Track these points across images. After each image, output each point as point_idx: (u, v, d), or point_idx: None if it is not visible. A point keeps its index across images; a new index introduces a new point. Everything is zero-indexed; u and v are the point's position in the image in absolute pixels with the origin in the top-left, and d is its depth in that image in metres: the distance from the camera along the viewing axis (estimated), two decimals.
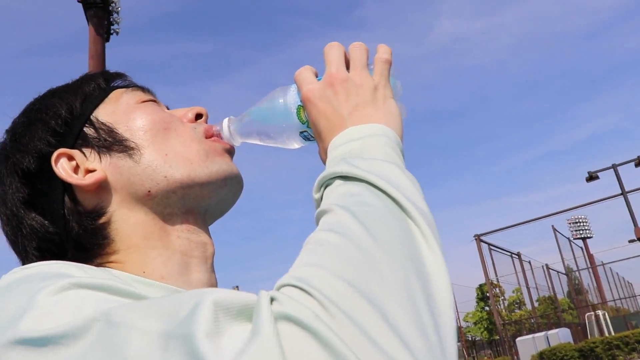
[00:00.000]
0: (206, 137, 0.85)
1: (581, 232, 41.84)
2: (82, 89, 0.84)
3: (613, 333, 17.32)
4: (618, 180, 23.91)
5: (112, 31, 15.19)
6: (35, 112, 0.81)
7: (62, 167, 0.77)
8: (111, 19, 15.03)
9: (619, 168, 23.70)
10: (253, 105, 0.84)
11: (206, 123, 0.89)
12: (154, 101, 0.87)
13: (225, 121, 0.85)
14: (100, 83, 0.86)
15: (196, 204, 0.82)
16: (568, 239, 35.28)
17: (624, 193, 24.30)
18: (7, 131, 0.84)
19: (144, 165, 0.78)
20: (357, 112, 0.72)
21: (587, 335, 23.10)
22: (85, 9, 14.45)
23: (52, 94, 0.85)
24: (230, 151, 0.86)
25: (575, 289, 36.39)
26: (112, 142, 0.79)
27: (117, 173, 0.78)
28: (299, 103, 0.78)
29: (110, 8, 14.84)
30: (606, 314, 25.28)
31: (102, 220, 0.78)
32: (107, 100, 0.84)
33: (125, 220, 0.78)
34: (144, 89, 0.89)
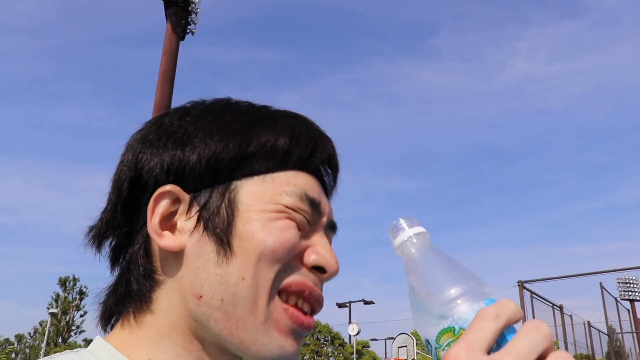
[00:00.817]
0: (291, 293, 0.70)
1: (630, 293, 40.49)
2: (268, 146, 0.71)
3: None
4: None
5: (188, 30, 15.48)
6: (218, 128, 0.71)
7: (159, 209, 0.69)
8: (189, 19, 15.32)
9: None
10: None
11: (322, 282, 0.74)
12: (306, 217, 0.72)
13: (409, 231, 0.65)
14: (293, 153, 0.72)
15: (224, 352, 0.71)
16: (615, 298, 34.40)
17: None
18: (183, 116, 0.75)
19: (220, 271, 0.67)
20: None
21: None
22: (166, 7, 14.79)
23: (253, 121, 0.73)
24: (300, 333, 0.70)
25: (616, 351, 35.28)
26: (220, 227, 0.68)
27: (196, 255, 0.68)
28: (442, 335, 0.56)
29: (190, 8, 15.15)
30: None
31: (152, 283, 0.71)
32: (270, 177, 0.71)
33: (166, 304, 0.70)
34: (314, 201, 0.72)
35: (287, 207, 0.69)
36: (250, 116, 0.74)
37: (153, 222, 0.69)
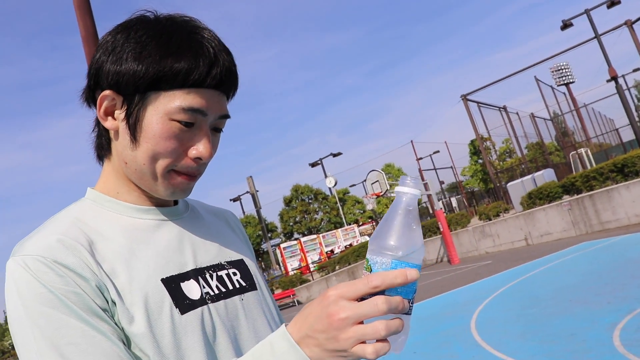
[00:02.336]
0: (182, 171, 1.01)
1: (564, 78, 43.06)
2: (179, 66, 0.93)
3: (595, 167, 19.31)
4: (591, 24, 25.09)
5: None
6: (151, 46, 0.94)
7: (102, 104, 0.99)
8: None
9: (591, 12, 24.80)
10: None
11: (204, 163, 1.03)
12: (191, 123, 0.97)
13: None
14: (194, 75, 0.94)
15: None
16: (551, 86, 36.83)
17: (597, 36, 25.58)
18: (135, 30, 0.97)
19: (133, 154, 0.99)
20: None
21: (573, 172, 25.16)
22: None
23: (171, 49, 0.94)
24: (187, 183, 1.03)
25: (562, 132, 38.56)
26: (132, 125, 0.97)
27: (122, 136, 1.00)
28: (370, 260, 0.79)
29: None
30: (588, 151, 27.51)
31: (108, 140, 1.05)
32: (170, 94, 0.95)
33: (115, 156, 1.04)
34: (198, 110, 0.96)
35: (173, 119, 0.95)
36: (160, 40, 0.95)
37: (100, 112, 0.99)
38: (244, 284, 1.10)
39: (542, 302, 9.27)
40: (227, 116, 1.04)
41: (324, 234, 37.49)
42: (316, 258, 33.80)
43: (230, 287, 1.07)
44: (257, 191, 38.18)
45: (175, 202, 1.14)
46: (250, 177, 38.51)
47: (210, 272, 1.05)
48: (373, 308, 0.73)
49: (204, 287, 1.01)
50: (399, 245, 0.77)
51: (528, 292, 10.71)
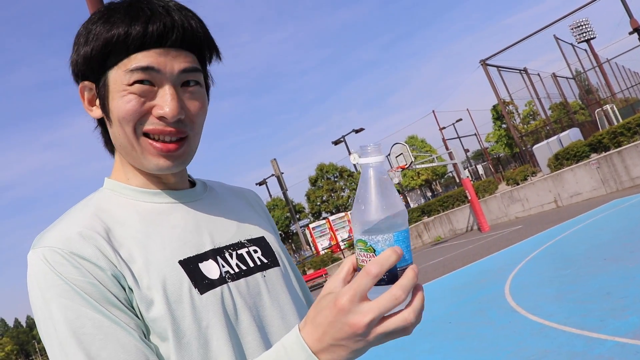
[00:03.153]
0: (152, 133, 0.99)
1: (584, 34, 42.10)
2: (131, 30, 0.94)
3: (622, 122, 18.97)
4: None
5: None
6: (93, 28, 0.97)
7: (84, 96, 1.04)
8: None
9: None
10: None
11: (170, 122, 0.99)
12: (146, 81, 0.96)
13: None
14: (131, 38, 0.94)
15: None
16: (571, 44, 36.13)
17: None
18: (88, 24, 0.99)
19: (113, 132, 1.03)
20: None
21: (599, 129, 24.73)
22: None
23: (111, 17, 0.96)
24: (166, 152, 1.01)
25: (585, 90, 37.83)
26: (102, 105, 1.02)
27: (107, 123, 1.05)
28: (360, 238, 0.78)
29: None
30: (614, 107, 26.95)
31: (107, 133, 1.08)
32: (120, 64, 0.97)
33: (115, 141, 1.05)
34: (147, 68, 0.96)
35: (128, 85, 0.96)
36: (103, 19, 0.97)
37: (84, 104, 1.04)
38: (265, 261, 1.11)
39: (576, 262, 9.19)
40: (193, 69, 1.01)
41: (351, 210, 37.47)
42: (346, 236, 33.81)
43: (252, 265, 1.07)
44: (282, 173, 38.21)
45: (193, 184, 1.17)
46: (275, 159, 38.50)
47: (229, 251, 1.06)
48: (394, 302, 0.73)
49: (223, 267, 1.02)
50: (393, 215, 0.76)
51: (561, 254, 10.61)
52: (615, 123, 23.26)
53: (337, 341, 0.76)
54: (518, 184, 22.11)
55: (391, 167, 21.15)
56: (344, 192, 50.86)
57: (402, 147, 21.16)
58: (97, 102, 1.03)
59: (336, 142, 38.50)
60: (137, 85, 0.96)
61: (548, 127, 32.91)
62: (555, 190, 19.81)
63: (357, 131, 37.15)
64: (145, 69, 0.95)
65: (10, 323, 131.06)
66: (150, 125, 0.98)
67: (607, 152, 18.29)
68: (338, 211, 46.67)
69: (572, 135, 23.41)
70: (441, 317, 8.54)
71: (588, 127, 29.62)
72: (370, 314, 0.73)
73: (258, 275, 1.07)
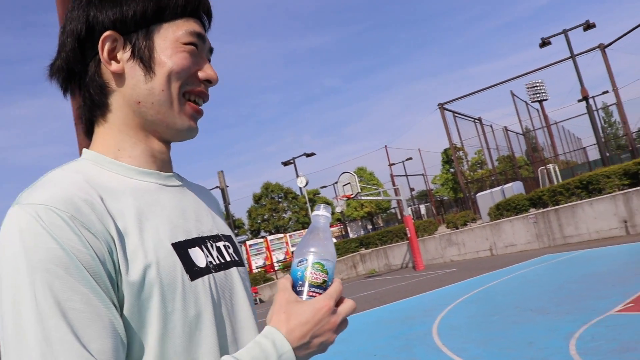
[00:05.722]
0: (192, 94, 1.05)
1: (538, 95, 43.93)
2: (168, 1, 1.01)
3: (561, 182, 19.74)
4: (568, 44, 25.61)
5: None
6: None
7: (105, 47, 0.99)
8: None
9: (569, 33, 25.33)
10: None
11: (211, 85, 1.09)
12: (196, 46, 1.04)
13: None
14: (191, 4, 1.04)
15: (160, 133, 1.06)
16: (525, 102, 37.50)
17: (572, 56, 26.13)
18: None
19: (148, 86, 1.00)
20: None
21: (540, 186, 25.58)
22: None
23: None
24: (197, 116, 1.08)
25: (532, 147, 39.21)
26: (145, 57, 1.01)
27: (131, 75, 1.01)
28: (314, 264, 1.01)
29: None
30: (556, 167, 27.95)
31: (106, 94, 1.03)
32: (173, 23, 1.03)
33: (118, 107, 1.03)
34: (199, 34, 1.05)
35: (183, 43, 1.02)
36: None
37: (103, 55, 0.99)
38: (236, 258, 1.12)
39: (504, 310, 9.39)
40: (212, 49, 1.13)
41: (291, 233, 37.39)
42: (281, 257, 33.67)
43: (228, 259, 1.08)
44: (227, 186, 37.81)
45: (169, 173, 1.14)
46: (222, 171, 38.04)
47: (210, 241, 1.06)
48: (352, 306, 1.02)
49: (207, 256, 1.02)
50: (333, 253, 1.05)
51: (491, 301, 10.85)
52: (556, 182, 24.11)
53: (316, 333, 0.95)
54: (457, 228, 22.55)
55: (336, 195, 21.25)
56: (286, 213, 50.76)
57: (350, 177, 21.30)
58: (122, 56, 1.01)
59: (286, 163, 38.51)
60: (191, 47, 1.04)
61: (493, 178, 33.84)
62: (492, 238, 20.29)
63: (308, 155, 37.28)
64: (199, 35, 1.05)
65: None
66: (195, 86, 1.06)
67: (545, 209, 18.90)
68: (277, 232, 46.38)
69: (515, 188, 24.12)
70: (366, 350, 8.55)
71: (530, 183, 30.60)
72: (342, 315, 1.00)
73: (234, 269, 1.09)
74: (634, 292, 8.28)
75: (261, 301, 23.93)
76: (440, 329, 8.83)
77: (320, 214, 1.06)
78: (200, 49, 1.06)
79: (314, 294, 0.98)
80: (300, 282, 0.99)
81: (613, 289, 8.95)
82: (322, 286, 0.99)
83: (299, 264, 1.01)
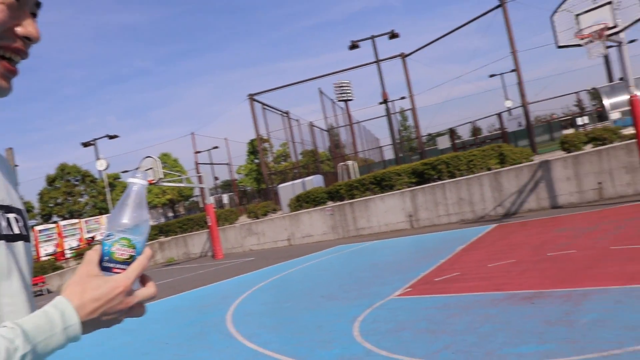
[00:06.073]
0: (7, 50, 0.98)
1: (344, 95, 46.27)
2: None
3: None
4: (374, 49, 27.37)
5: None
6: None
7: None
8: None
9: (375, 39, 27.10)
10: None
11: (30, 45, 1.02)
12: (4, 4, 0.95)
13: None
14: None
15: None
16: (332, 100, 39.42)
17: (377, 61, 28.00)
18: None
19: None
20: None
21: (339, 180, 27.04)
22: None
23: None
24: (10, 75, 1.00)
25: (335, 144, 41.33)
26: None
27: None
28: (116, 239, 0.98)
29: None
30: (355, 163, 29.76)
31: None
32: None
33: None
34: None
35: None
36: None
37: None
38: (25, 233, 1.06)
39: (297, 297, 9.68)
40: (40, 3, 1.05)
41: (86, 219, 35.03)
42: (75, 244, 31.43)
43: (17, 232, 1.03)
44: (17, 166, 34.27)
45: None
46: (11, 148, 34.33)
47: (2, 211, 1.00)
48: (151, 292, 1.02)
49: (1, 224, 0.97)
50: (147, 221, 1.01)
51: (285, 288, 11.13)
52: (353, 177, 25.60)
53: (108, 309, 0.95)
54: (258, 218, 22.92)
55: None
56: (82, 197, 47.62)
57: (153, 162, 20.54)
58: None
59: (86, 144, 35.98)
60: (7, 1, 0.95)
61: (296, 170, 34.99)
62: (291, 229, 20.94)
63: (111, 137, 35.27)
64: None
65: None
66: (10, 42, 0.98)
67: (342, 202, 19.96)
68: (72, 217, 43.31)
69: (315, 181, 25.18)
70: (158, 338, 8.28)
71: (330, 177, 32.18)
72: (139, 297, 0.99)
73: (21, 243, 1.04)
74: (412, 278, 9.09)
75: (49, 292, 22.07)
76: (235, 316, 8.84)
77: (134, 181, 1.01)
78: (22, 2, 0.99)
79: (118, 271, 0.97)
80: (106, 258, 0.98)
81: (396, 275, 9.70)
82: (128, 261, 0.98)
83: (107, 238, 0.99)
